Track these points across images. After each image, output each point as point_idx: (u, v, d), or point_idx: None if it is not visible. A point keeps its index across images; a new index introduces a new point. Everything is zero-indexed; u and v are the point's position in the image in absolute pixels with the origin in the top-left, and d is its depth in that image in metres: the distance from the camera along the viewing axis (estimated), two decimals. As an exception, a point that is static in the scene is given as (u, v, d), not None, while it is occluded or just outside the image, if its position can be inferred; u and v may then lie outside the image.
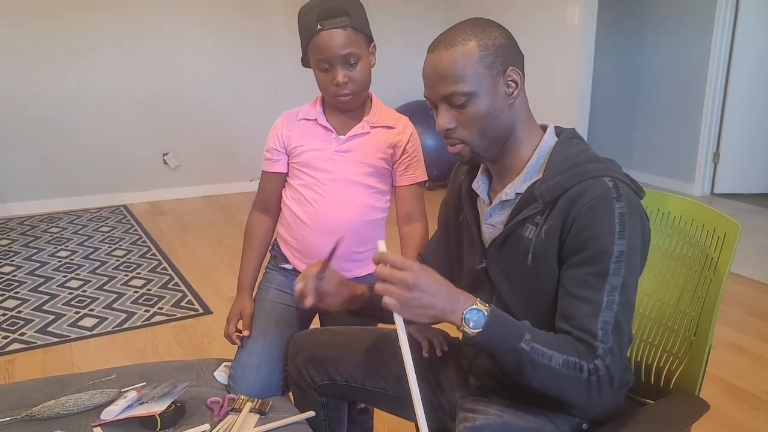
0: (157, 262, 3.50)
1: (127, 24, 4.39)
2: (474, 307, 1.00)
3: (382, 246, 1.07)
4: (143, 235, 3.96)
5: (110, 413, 1.25)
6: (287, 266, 1.63)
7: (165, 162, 4.71)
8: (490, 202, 1.18)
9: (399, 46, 5.04)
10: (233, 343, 1.55)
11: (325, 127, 1.54)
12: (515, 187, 1.13)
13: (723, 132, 4.64)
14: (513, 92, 1.09)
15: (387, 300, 0.98)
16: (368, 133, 1.53)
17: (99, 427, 1.24)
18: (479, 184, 1.21)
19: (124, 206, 4.57)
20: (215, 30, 4.66)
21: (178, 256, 3.60)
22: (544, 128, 1.17)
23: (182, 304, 2.97)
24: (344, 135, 1.53)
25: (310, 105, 1.58)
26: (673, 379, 1.26)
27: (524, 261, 1.09)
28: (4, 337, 2.65)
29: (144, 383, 1.40)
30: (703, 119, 4.63)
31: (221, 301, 2.96)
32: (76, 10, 4.23)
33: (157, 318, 2.83)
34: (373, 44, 1.49)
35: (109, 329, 2.73)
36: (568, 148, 1.11)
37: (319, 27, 1.40)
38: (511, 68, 1.08)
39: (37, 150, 4.31)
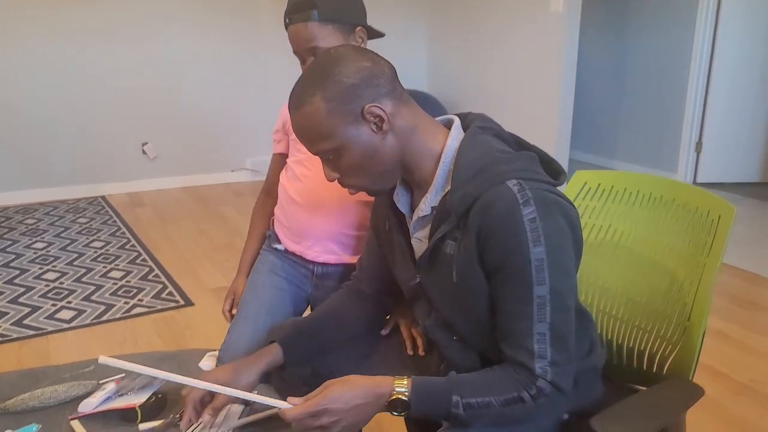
0: (136, 254, 3.43)
1: (107, 11, 4.29)
2: (393, 397, 0.98)
3: (280, 405, 1.03)
4: (122, 226, 3.89)
5: (88, 405, 1.21)
6: (279, 247, 1.61)
7: (144, 152, 4.63)
8: (412, 216, 1.14)
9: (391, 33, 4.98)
10: (227, 320, 1.60)
11: None
12: (429, 201, 1.07)
13: (705, 121, 4.66)
14: (382, 126, 1.02)
15: None
16: None
17: (77, 420, 1.19)
18: (399, 198, 1.16)
19: (103, 197, 4.49)
20: (196, 19, 4.58)
21: (159, 247, 3.54)
22: (448, 127, 1.10)
23: (163, 295, 2.91)
24: None
25: None
26: (666, 365, 1.24)
27: (451, 278, 1.04)
28: (-16, 329, 2.58)
29: (123, 374, 1.35)
30: (686, 109, 4.65)
31: (203, 293, 2.90)
32: (51, -4, 4.13)
33: (137, 310, 2.77)
34: (359, 28, 1.44)
35: (87, 321, 2.67)
36: (472, 148, 1.04)
37: (287, 21, 1.40)
38: (368, 106, 1.00)
39: (12, 140, 4.21)
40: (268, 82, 4.81)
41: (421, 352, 1.33)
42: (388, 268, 1.26)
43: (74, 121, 4.37)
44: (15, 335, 2.55)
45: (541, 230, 0.95)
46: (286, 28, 1.41)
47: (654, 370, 1.27)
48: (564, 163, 4.41)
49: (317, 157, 1.09)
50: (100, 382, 1.32)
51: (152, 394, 1.25)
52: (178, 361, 1.47)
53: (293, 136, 1.55)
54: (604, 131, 5.30)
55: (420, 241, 1.12)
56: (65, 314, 2.73)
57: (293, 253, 1.59)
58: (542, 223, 0.95)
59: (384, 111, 1.01)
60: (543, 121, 4.38)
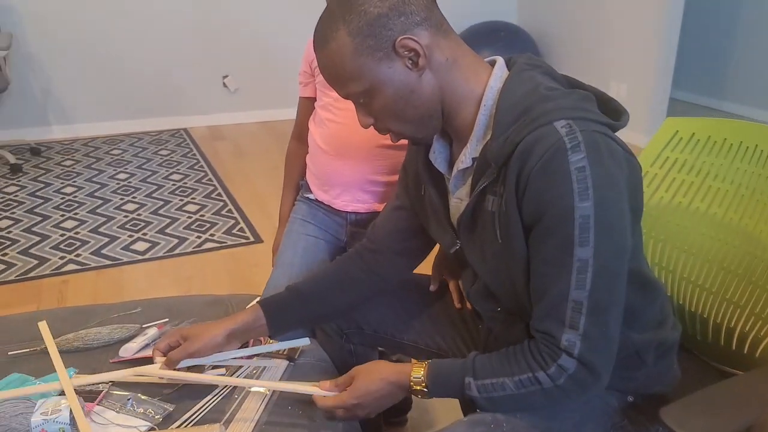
0: (212, 188, 3.45)
1: (185, -61, 4.22)
2: (412, 385, 0.96)
3: (317, 392, 1.03)
4: (201, 159, 3.92)
5: (128, 351, 1.18)
6: (311, 196, 1.53)
7: (225, 85, 4.62)
8: (451, 172, 1.00)
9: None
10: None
11: None
12: (470, 152, 0.94)
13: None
14: (417, 61, 0.88)
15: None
16: None
17: (117, 364, 1.17)
18: (435, 155, 1.02)
19: (185, 130, 4.54)
20: (275, -55, 4.44)
21: (234, 182, 3.55)
22: (491, 65, 0.95)
23: (234, 231, 2.92)
24: None
25: None
26: (761, 347, 1.07)
27: (494, 239, 0.91)
28: (61, 258, 2.67)
29: (167, 319, 1.32)
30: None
31: (272, 230, 2.87)
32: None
33: (208, 245, 2.79)
34: None
35: (160, 254, 2.71)
36: (516, 87, 0.90)
37: None
38: (401, 39, 0.86)
39: (101, 73, 4.29)
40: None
41: (469, 306, 1.23)
42: (409, 230, 1.14)
43: (159, 55, 4.39)
44: (93, 264, 2.62)
45: (590, 181, 0.81)
46: None
47: (745, 351, 1.10)
48: (664, 103, 4.06)
49: (344, 100, 0.98)
50: (143, 326, 1.29)
51: (192, 342, 1.21)
52: (226, 306, 1.43)
53: (320, 77, 1.44)
54: (713, 68, 4.83)
55: (460, 201, 1.00)
56: (140, 246, 2.79)
57: (323, 203, 1.51)
58: (592, 173, 0.81)
59: (419, 43, 0.87)
60: (643, 55, 4.02)
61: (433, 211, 1.05)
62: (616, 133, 0.89)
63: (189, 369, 1.10)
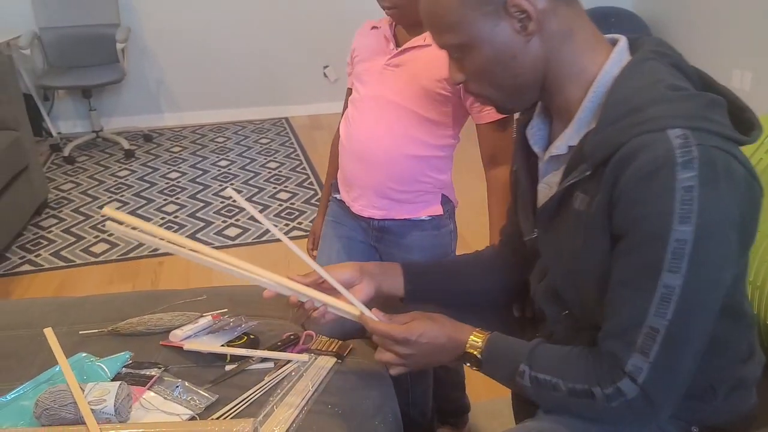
0: (305, 177, 3.53)
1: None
2: (467, 350, 0.94)
3: (365, 311, 1.01)
4: (297, 148, 4.02)
5: (175, 336, 1.22)
6: (338, 196, 1.48)
7: (325, 75, 4.70)
8: (544, 154, 0.92)
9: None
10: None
11: (386, 36, 1.34)
12: (568, 138, 0.86)
13: None
14: (527, 26, 0.80)
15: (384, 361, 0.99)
16: (428, 45, 1.24)
17: (166, 347, 1.22)
18: (533, 131, 0.94)
19: (286, 119, 4.66)
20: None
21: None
22: (611, 45, 0.85)
23: (321, 220, 2.97)
24: (399, 48, 1.31)
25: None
26: None
27: (576, 240, 0.84)
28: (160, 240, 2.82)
29: (226, 309, 1.35)
30: None
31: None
32: None
33: (294, 233, 2.86)
34: None
35: (249, 240, 2.81)
36: (634, 78, 0.80)
37: None
38: None
39: (210, 64, 4.48)
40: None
41: (529, 313, 1.17)
42: None
43: (262, 47, 4.53)
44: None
45: (696, 204, 0.71)
46: None
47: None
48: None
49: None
50: (203, 314, 1.33)
51: (243, 334, 1.24)
52: (287, 300, 1.44)
53: (358, 68, 1.39)
54: None
55: (548, 187, 0.93)
56: (231, 231, 2.90)
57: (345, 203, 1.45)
58: (701, 195, 0.71)
59: (534, 6, 0.79)
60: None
61: (521, 191, 0.99)
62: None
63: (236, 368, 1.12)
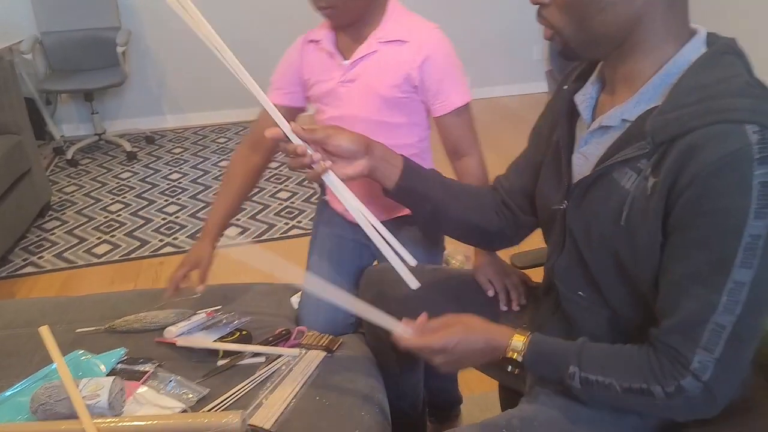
0: (304, 175, 3.55)
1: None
2: (507, 351, 0.93)
3: (399, 329, 1.00)
4: (298, 147, 4.04)
5: (170, 333, 1.25)
6: (325, 197, 1.49)
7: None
8: (591, 123, 0.91)
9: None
10: (173, 290, 1.34)
11: (329, 52, 1.30)
12: (624, 111, 0.84)
13: None
14: None
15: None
16: (374, 52, 1.25)
17: (161, 344, 1.25)
18: (584, 98, 0.92)
19: (287, 118, 4.68)
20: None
21: (326, 169, 3.63)
22: (692, 32, 0.83)
23: (320, 218, 3.00)
24: (350, 59, 1.27)
25: (319, 25, 1.33)
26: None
27: (616, 218, 0.82)
28: (160, 240, 2.87)
29: (219, 306, 1.38)
30: None
31: (357, 218, 2.93)
32: None
33: (293, 231, 2.89)
34: None
35: (249, 240, 2.83)
36: (711, 68, 0.78)
37: None
38: None
39: (212, 65, 4.47)
40: (454, 5, 4.61)
41: (515, 307, 1.20)
42: (532, 193, 1.08)
43: (263, 45, 4.55)
44: (187, 247, 2.79)
45: None
46: None
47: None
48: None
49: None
50: (197, 312, 1.36)
51: (236, 330, 1.27)
52: (279, 297, 1.49)
53: (313, 91, 1.34)
54: None
55: (585, 158, 0.91)
56: (231, 231, 2.92)
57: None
58: None
59: None
60: None
61: (555, 158, 0.97)
62: None
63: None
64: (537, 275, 1.21)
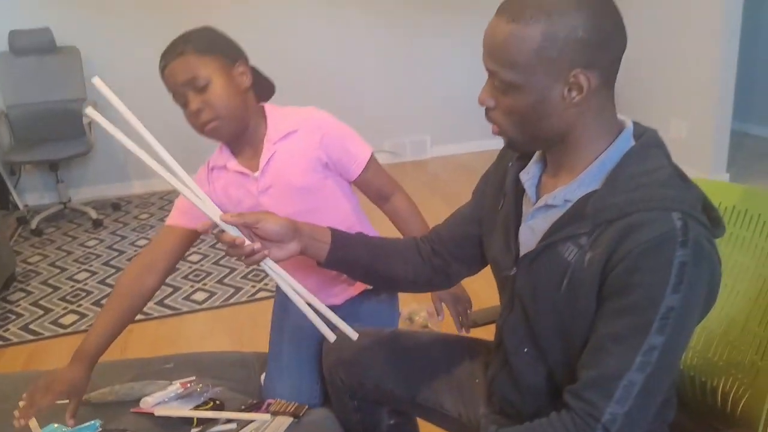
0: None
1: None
2: None
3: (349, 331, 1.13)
4: (263, 210, 4.13)
5: (146, 404, 1.31)
6: None
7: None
8: (537, 200, 1.02)
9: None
10: (22, 419, 1.20)
11: (239, 172, 1.39)
12: (567, 193, 0.95)
13: None
14: (575, 97, 0.89)
15: None
16: (275, 152, 1.36)
17: (137, 414, 1.31)
18: (528, 177, 1.04)
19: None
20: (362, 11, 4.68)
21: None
22: (621, 126, 0.97)
23: (286, 280, 3.07)
24: (258, 170, 1.37)
25: (218, 149, 1.43)
26: (740, 406, 1.08)
27: (558, 286, 0.93)
28: (128, 309, 2.90)
29: (194, 377, 1.45)
30: None
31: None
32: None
33: (261, 294, 2.95)
34: (240, 61, 1.34)
35: (217, 304, 2.89)
36: (641, 160, 0.91)
37: (162, 64, 1.31)
38: (578, 71, 0.87)
39: (179, 131, 4.55)
40: (408, 63, 4.83)
41: (462, 332, 1.33)
42: (473, 239, 1.18)
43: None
44: (155, 314, 2.83)
45: (686, 278, 0.83)
46: (162, 74, 1.31)
47: (728, 410, 1.11)
48: (725, 137, 3.95)
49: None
50: (172, 382, 1.42)
51: (210, 399, 1.33)
52: (249, 368, 1.55)
53: (242, 207, 1.40)
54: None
55: (532, 231, 1.01)
56: (199, 296, 2.98)
57: None
58: (689, 272, 0.83)
59: (589, 83, 0.88)
60: (702, 91, 3.95)
61: (505, 229, 1.07)
62: None
63: None
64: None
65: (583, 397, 0.89)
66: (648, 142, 0.94)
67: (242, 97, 1.34)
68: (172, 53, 1.29)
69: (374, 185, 1.46)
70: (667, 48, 4.18)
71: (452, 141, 5.03)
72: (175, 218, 1.42)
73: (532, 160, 1.05)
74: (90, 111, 1.09)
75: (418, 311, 2.56)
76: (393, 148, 4.97)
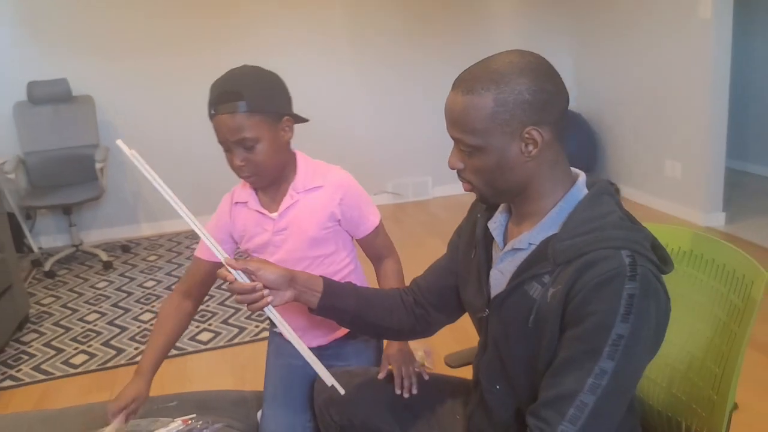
0: (275, 278, 3.73)
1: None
2: None
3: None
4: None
5: (148, 441, 1.40)
6: (276, 329, 1.65)
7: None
8: (504, 246, 1.14)
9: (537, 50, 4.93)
10: (110, 418, 1.40)
11: (258, 210, 1.50)
12: (530, 237, 1.07)
13: None
14: (531, 151, 1.01)
15: None
16: (297, 201, 1.48)
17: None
18: (496, 225, 1.16)
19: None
20: (349, 48, 4.86)
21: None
22: (575, 177, 1.10)
23: (290, 320, 3.16)
24: (277, 212, 1.48)
25: (242, 185, 1.53)
26: (700, 441, 1.15)
27: (525, 321, 1.03)
28: (135, 348, 2.99)
29: (194, 415, 1.53)
30: None
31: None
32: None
33: (263, 334, 3.04)
34: (286, 118, 1.42)
35: (221, 344, 2.98)
36: (594, 206, 1.03)
37: (212, 112, 1.37)
38: (530, 128, 0.99)
39: (186, 175, 4.71)
40: (410, 106, 4.99)
41: (405, 394, 1.38)
42: (452, 289, 1.28)
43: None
44: (162, 354, 2.91)
45: (634, 309, 0.92)
46: (212, 119, 1.38)
47: (691, 444, 1.18)
48: (720, 176, 4.04)
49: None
50: (175, 419, 1.51)
51: (209, 434, 1.42)
52: (248, 407, 1.63)
53: (248, 245, 1.54)
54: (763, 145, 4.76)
55: (501, 274, 1.12)
56: (204, 336, 3.07)
57: None
58: (637, 303, 0.93)
59: (542, 137, 1.00)
60: (695, 132, 4.06)
61: (478, 275, 1.17)
62: None
63: None
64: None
65: (539, 416, 0.97)
66: (600, 190, 1.06)
67: (283, 153, 1.45)
68: (223, 103, 1.35)
69: (375, 247, 1.60)
70: (660, 89, 4.31)
71: (453, 182, 5.12)
72: (199, 251, 1.56)
73: (498, 211, 1.18)
74: (121, 144, 1.24)
75: (416, 349, 2.64)
76: (396, 188, 5.09)
